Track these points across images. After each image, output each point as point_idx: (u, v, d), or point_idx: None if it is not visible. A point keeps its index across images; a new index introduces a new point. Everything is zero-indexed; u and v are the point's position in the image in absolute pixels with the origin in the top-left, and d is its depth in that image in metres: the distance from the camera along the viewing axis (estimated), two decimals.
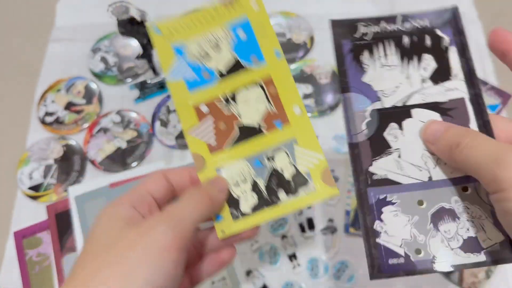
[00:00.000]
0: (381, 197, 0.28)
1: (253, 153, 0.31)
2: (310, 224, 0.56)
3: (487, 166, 0.22)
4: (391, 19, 0.31)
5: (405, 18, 0.31)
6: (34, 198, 0.59)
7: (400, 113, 0.29)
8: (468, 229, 0.26)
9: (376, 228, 0.27)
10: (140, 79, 0.68)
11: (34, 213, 0.58)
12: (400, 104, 0.29)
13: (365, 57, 0.30)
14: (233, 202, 0.31)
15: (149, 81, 0.67)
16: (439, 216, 0.27)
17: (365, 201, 0.28)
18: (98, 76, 0.68)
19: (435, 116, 0.28)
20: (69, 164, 0.61)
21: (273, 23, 0.72)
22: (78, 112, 0.65)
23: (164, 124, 0.63)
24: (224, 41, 0.33)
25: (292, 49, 0.69)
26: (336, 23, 0.31)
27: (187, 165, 0.59)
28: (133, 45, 0.69)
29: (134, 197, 0.28)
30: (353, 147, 0.29)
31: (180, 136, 0.62)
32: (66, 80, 0.67)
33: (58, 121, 0.64)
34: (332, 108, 0.64)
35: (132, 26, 0.58)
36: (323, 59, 0.68)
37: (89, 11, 0.74)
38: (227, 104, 0.32)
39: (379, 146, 0.29)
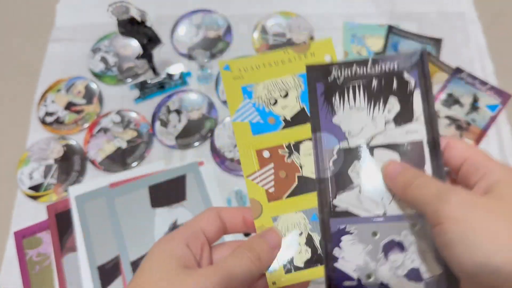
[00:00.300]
0: (341, 227, 0.31)
1: (311, 207, 0.31)
2: None
3: (431, 203, 0.26)
4: (363, 62, 0.32)
5: (376, 61, 0.32)
6: (34, 198, 0.59)
7: (363, 153, 0.31)
8: (413, 261, 0.30)
9: (335, 254, 0.30)
10: (140, 79, 0.68)
11: (34, 213, 0.58)
12: (364, 144, 0.31)
13: (336, 99, 0.32)
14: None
15: (149, 81, 0.67)
16: (389, 247, 0.30)
17: (327, 230, 0.31)
18: (98, 76, 0.68)
19: (395, 156, 0.31)
20: (69, 164, 0.61)
21: (272, 23, 0.72)
22: (78, 112, 0.65)
23: (164, 124, 0.63)
24: (293, 90, 0.33)
25: None
26: (311, 67, 0.33)
27: (187, 165, 0.59)
28: (133, 45, 0.69)
29: (188, 234, 0.29)
30: (320, 181, 0.31)
31: (180, 136, 0.62)
32: (66, 80, 0.68)
33: (58, 121, 0.64)
34: None
35: (132, 26, 0.58)
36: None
37: (89, 11, 0.74)
38: (289, 153, 0.32)
39: (343, 182, 0.31)
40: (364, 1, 0.74)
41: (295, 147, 0.32)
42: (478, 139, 0.61)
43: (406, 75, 0.32)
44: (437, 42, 0.68)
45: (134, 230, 0.55)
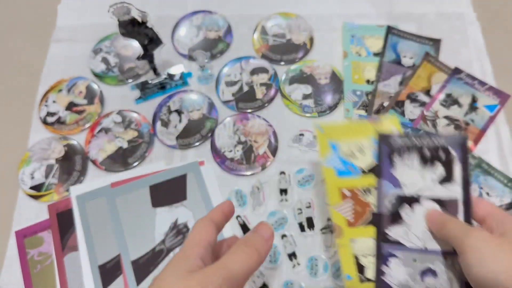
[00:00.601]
0: (391, 251, 0.41)
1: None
2: (310, 223, 0.56)
3: (458, 237, 0.37)
4: (420, 136, 0.44)
5: (430, 136, 0.44)
6: (35, 197, 0.59)
7: (413, 200, 0.42)
8: (442, 285, 0.39)
9: (383, 270, 0.41)
10: (141, 79, 0.68)
11: (35, 212, 0.58)
12: (414, 194, 0.42)
13: (396, 158, 0.44)
14: (361, 269, 0.42)
15: (150, 82, 0.67)
16: (425, 272, 0.40)
17: (380, 251, 0.42)
18: (99, 76, 0.69)
19: (436, 206, 0.42)
20: (71, 164, 0.61)
21: (272, 24, 0.72)
22: (79, 112, 0.65)
23: (165, 124, 0.64)
24: (368, 149, 0.45)
25: (292, 49, 0.70)
26: (381, 134, 0.45)
27: (188, 165, 0.59)
28: (134, 45, 0.70)
29: (202, 252, 0.32)
30: (379, 215, 0.43)
31: (181, 136, 0.63)
32: (67, 81, 0.68)
33: (59, 121, 0.65)
34: (332, 108, 0.64)
35: (133, 27, 0.58)
36: (322, 59, 0.68)
37: (90, 12, 0.75)
38: (364, 194, 0.44)
39: (395, 219, 0.42)
40: (363, 2, 0.74)
41: (369, 190, 0.44)
42: (477, 139, 0.61)
43: (451, 150, 0.43)
44: (436, 42, 0.69)
45: (135, 230, 0.55)
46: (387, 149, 0.44)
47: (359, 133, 0.45)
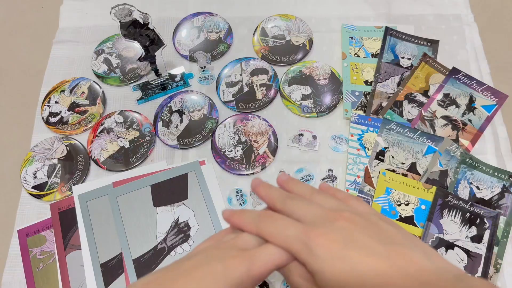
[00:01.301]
0: None
1: None
2: None
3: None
4: (466, 201, 0.56)
5: (472, 206, 0.56)
6: (38, 197, 0.60)
7: (449, 245, 0.54)
8: None
9: None
10: (143, 80, 0.69)
11: (38, 211, 0.59)
12: (451, 240, 0.55)
13: (445, 211, 0.56)
14: None
15: (151, 82, 0.68)
16: None
17: None
18: (101, 77, 0.69)
19: (463, 255, 0.54)
20: (73, 164, 0.62)
21: (272, 26, 0.73)
22: (82, 112, 0.66)
23: (166, 124, 0.65)
24: (412, 203, 0.57)
25: (291, 51, 0.70)
26: (439, 189, 0.57)
27: (189, 164, 0.60)
28: (136, 47, 0.70)
29: None
30: None
31: (181, 136, 0.64)
32: (69, 82, 0.69)
33: (62, 122, 0.65)
34: (330, 108, 0.65)
35: (135, 29, 0.59)
36: (322, 60, 0.69)
37: (92, 14, 0.75)
38: None
39: None
40: (362, 3, 0.75)
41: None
42: (474, 140, 0.62)
43: (486, 220, 0.56)
44: (434, 43, 0.69)
45: (136, 228, 0.56)
46: (441, 201, 0.56)
47: (412, 190, 0.57)
